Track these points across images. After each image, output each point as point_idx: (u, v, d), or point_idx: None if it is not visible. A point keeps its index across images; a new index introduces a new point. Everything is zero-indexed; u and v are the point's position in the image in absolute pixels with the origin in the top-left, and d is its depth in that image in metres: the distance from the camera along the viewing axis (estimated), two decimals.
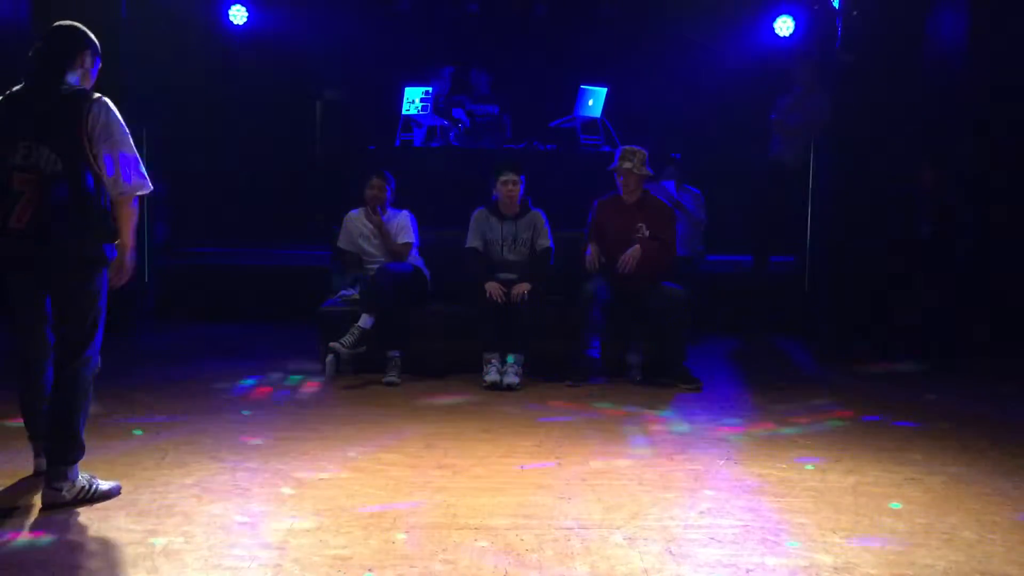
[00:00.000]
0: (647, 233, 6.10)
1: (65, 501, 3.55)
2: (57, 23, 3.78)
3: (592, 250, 6.12)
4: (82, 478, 3.62)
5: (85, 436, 3.65)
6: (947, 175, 7.02)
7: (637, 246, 6.04)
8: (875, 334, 6.90)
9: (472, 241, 6.24)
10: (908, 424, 5.08)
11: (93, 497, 3.61)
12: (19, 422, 3.92)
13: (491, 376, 5.78)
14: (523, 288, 5.96)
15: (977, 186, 7.03)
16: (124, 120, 3.70)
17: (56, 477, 3.57)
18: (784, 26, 8.92)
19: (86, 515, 3.48)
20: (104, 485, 3.68)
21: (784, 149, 8.01)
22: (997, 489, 3.99)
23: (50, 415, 3.64)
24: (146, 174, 3.76)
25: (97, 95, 3.66)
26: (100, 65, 3.86)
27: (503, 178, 6.18)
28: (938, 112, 7.05)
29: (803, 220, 7.82)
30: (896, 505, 3.76)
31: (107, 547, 3.20)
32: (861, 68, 6.98)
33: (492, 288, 5.95)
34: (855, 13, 7.03)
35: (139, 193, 3.74)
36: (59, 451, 3.60)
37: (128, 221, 3.72)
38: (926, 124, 7.05)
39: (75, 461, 3.62)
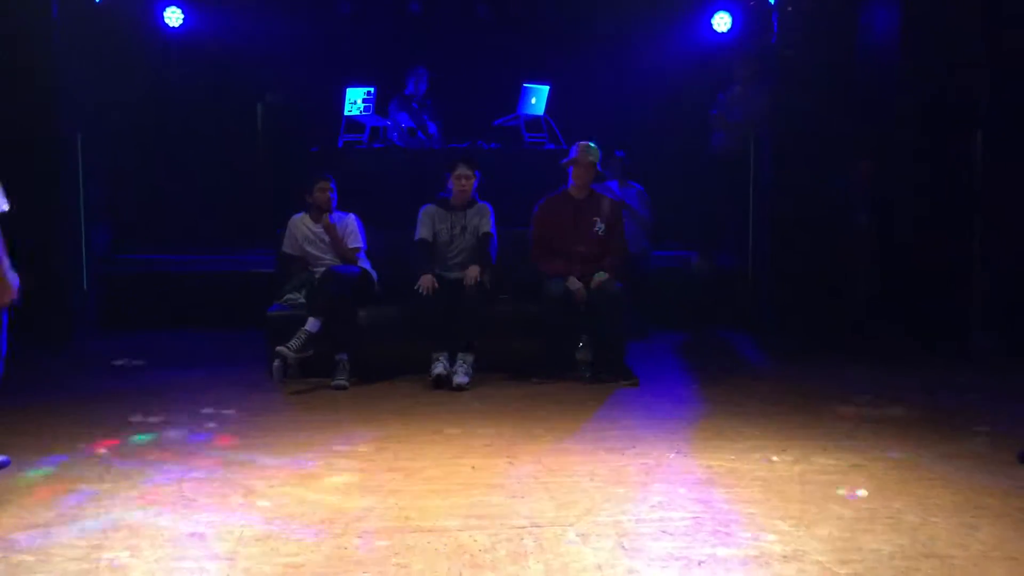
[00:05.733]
0: (603, 227, 6.14)
1: None
2: None
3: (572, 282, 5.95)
4: None
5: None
6: (882, 166, 7.17)
7: (608, 274, 5.99)
8: (819, 324, 7.01)
9: (421, 233, 6.23)
10: (852, 412, 5.18)
11: None
12: None
13: (437, 369, 5.73)
14: (475, 272, 5.94)
15: (913, 176, 7.18)
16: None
17: None
18: (722, 22, 9.03)
19: (27, 531, 3.40)
20: None
21: (725, 144, 8.11)
22: (939, 474, 4.08)
23: None
24: None
25: None
26: None
27: (458, 171, 6.21)
28: (873, 104, 7.20)
29: (745, 213, 7.92)
30: (841, 490, 3.83)
31: (50, 564, 3.12)
32: (797, 62, 7.10)
33: (424, 281, 5.91)
34: (790, 8, 7.15)
35: None
36: None
37: None
38: (862, 116, 7.19)
39: None
